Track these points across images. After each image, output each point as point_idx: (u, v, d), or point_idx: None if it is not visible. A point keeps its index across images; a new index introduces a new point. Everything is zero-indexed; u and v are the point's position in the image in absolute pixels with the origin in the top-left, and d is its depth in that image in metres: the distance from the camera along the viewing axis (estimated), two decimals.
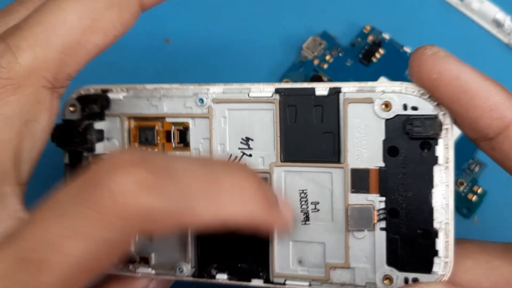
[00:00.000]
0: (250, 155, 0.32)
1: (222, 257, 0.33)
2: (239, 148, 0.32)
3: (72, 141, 0.34)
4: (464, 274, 0.30)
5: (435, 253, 0.29)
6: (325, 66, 0.46)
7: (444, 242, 0.29)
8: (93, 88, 0.34)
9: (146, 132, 0.34)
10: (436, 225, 0.29)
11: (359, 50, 0.45)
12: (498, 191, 0.43)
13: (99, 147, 0.34)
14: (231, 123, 0.32)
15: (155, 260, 0.34)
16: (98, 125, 0.34)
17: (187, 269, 0.33)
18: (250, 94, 0.32)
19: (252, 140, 0.32)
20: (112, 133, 0.34)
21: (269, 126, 0.32)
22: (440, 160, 0.29)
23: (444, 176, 0.29)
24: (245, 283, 0.33)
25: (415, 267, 0.30)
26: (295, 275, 0.32)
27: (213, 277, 0.33)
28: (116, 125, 0.34)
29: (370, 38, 0.46)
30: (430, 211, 0.29)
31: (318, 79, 0.36)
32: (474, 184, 0.43)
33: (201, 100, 0.32)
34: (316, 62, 0.46)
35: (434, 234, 0.29)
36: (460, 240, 0.31)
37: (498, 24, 0.43)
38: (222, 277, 0.33)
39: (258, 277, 0.32)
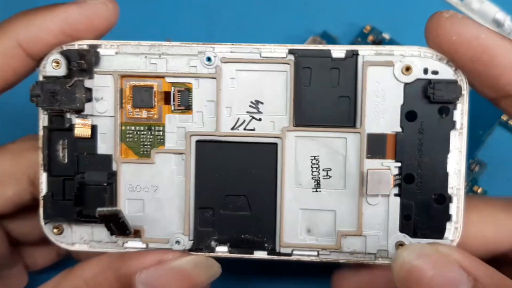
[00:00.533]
0: (260, 119, 0.31)
1: (223, 227, 0.31)
2: (247, 112, 0.31)
3: (57, 100, 0.30)
4: (469, 228, 0.30)
5: (448, 218, 0.30)
6: None
7: (456, 208, 0.30)
8: (77, 44, 0.31)
9: (142, 93, 0.31)
10: (449, 190, 0.30)
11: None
12: (498, 191, 0.43)
13: (87, 108, 0.31)
14: (239, 85, 0.31)
15: (148, 233, 0.32)
16: (86, 83, 0.31)
17: (184, 242, 0.31)
18: (263, 54, 0.30)
19: (262, 103, 0.31)
20: (102, 92, 0.31)
21: (281, 88, 0.30)
22: (457, 125, 0.29)
23: (458, 142, 0.29)
24: (247, 256, 0.31)
25: (427, 233, 0.30)
26: (304, 245, 0.31)
27: (212, 250, 0.31)
28: (106, 84, 0.31)
29: (370, 38, 0.46)
30: (445, 176, 0.29)
31: None
32: (474, 184, 0.43)
33: (209, 59, 0.30)
34: None
35: (448, 199, 0.30)
36: (465, 197, 0.31)
37: (498, 24, 0.44)
38: (222, 250, 0.31)
39: (263, 248, 0.31)
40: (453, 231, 0.30)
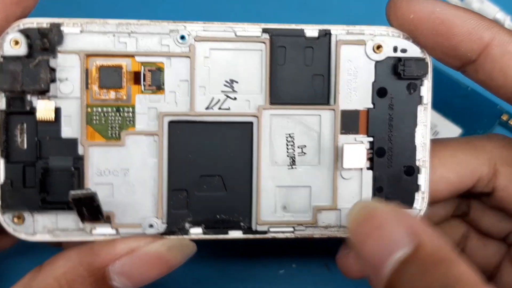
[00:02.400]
0: (235, 99, 0.31)
1: (197, 209, 0.32)
2: (222, 91, 0.31)
3: (18, 81, 0.29)
4: (432, 174, 0.33)
5: (417, 188, 0.32)
6: None
7: (424, 179, 0.32)
8: (37, 22, 0.30)
9: (110, 73, 0.30)
10: (417, 162, 0.32)
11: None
12: None
13: (52, 89, 0.30)
14: (214, 64, 0.31)
15: (118, 218, 0.31)
16: (51, 62, 0.30)
17: (158, 225, 0.31)
18: (237, 33, 0.31)
19: (237, 82, 0.31)
20: (66, 73, 0.30)
21: (256, 67, 0.31)
22: (424, 100, 0.32)
23: (424, 116, 0.32)
24: (221, 237, 0.32)
25: (398, 203, 0.32)
26: (280, 222, 0.32)
27: (186, 232, 0.32)
28: (71, 64, 0.30)
29: None
30: (413, 148, 0.32)
31: None
32: None
33: (182, 37, 0.30)
34: None
35: (417, 170, 0.32)
36: None
37: (498, 24, 0.46)
38: (196, 232, 0.32)
39: (239, 227, 0.32)
40: (420, 201, 0.32)
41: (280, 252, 0.45)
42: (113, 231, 0.31)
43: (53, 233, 0.31)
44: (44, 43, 0.29)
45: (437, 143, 0.35)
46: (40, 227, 0.31)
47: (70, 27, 0.30)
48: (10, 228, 0.31)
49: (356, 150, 0.31)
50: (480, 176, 0.34)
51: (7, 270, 0.42)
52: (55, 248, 0.39)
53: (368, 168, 0.32)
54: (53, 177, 0.31)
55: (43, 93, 0.30)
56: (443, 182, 0.34)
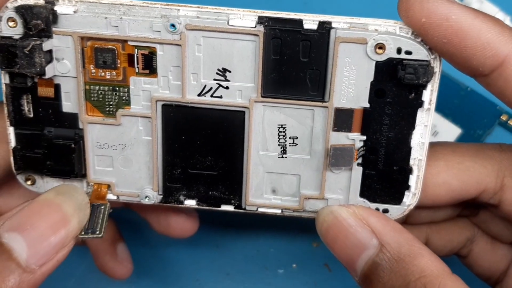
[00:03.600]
0: (227, 88, 0.31)
1: (191, 185, 0.34)
2: (214, 79, 0.31)
3: (16, 63, 0.30)
4: (435, 177, 0.33)
5: (407, 187, 0.32)
6: None
7: (416, 177, 0.32)
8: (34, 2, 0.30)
9: (104, 54, 0.31)
10: (411, 162, 0.31)
11: None
12: None
13: (49, 70, 0.31)
14: (206, 51, 0.30)
15: (118, 186, 0.34)
16: (45, 45, 0.30)
17: (153, 196, 0.34)
18: (230, 22, 0.30)
19: (229, 71, 0.31)
20: (62, 53, 0.31)
21: (250, 58, 0.30)
22: (426, 104, 0.30)
23: (425, 117, 0.31)
24: (214, 209, 0.34)
25: (386, 199, 0.33)
26: (269, 204, 0.34)
27: (181, 202, 0.34)
28: (67, 45, 0.31)
29: None
30: (408, 150, 0.31)
31: None
32: None
33: (173, 26, 0.30)
34: None
35: (409, 171, 0.32)
36: (432, 144, 0.34)
37: None
38: (190, 203, 0.34)
39: (230, 203, 0.34)
40: (411, 197, 0.32)
41: (280, 252, 0.45)
42: (114, 197, 0.34)
43: None
44: (39, 25, 0.30)
45: (446, 146, 0.34)
46: (50, 186, 0.34)
47: (64, 6, 0.30)
48: (26, 186, 0.34)
49: (344, 151, 0.31)
50: (485, 187, 0.33)
51: None
52: None
53: (359, 164, 0.32)
54: (57, 148, 0.33)
55: (40, 75, 0.31)
56: (445, 187, 0.33)
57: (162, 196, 0.34)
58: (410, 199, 0.32)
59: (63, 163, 0.33)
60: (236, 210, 0.34)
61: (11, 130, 0.33)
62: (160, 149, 0.33)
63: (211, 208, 0.34)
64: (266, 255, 0.46)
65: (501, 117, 0.45)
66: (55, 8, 0.30)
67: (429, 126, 0.31)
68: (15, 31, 0.30)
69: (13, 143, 0.33)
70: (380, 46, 0.29)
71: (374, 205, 0.33)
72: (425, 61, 0.29)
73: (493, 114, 0.44)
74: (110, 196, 0.34)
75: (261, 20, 0.30)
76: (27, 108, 0.32)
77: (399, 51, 0.29)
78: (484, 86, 0.30)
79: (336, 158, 0.31)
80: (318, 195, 0.33)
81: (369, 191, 0.33)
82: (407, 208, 0.33)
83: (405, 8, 0.28)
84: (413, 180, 0.32)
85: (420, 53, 0.29)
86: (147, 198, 0.34)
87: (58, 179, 0.34)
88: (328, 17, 0.29)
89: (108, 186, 0.34)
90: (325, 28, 0.29)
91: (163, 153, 0.33)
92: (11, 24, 0.30)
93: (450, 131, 0.43)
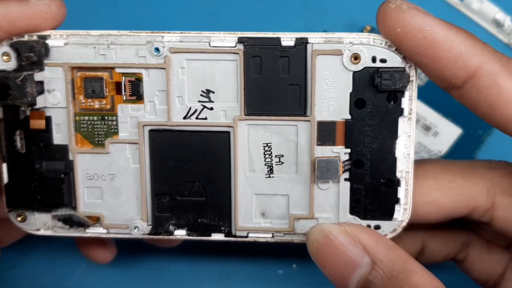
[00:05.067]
0: (212, 108, 0.33)
1: (180, 213, 0.34)
2: (199, 101, 0.33)
3: (9, 95, 0.32)
4: (425, 196, 0.33)
5: (396, 200, 0.32)
6: None
7: (405, 190, 0.32)
8: (27, 35, 0.32)
9: (93, 84, 0.33)
10: (398, 174, 0.32)
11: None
12: None
13: (40, 101, 0.33)
14: (190, 74, 0.32)
15: (107, 219, 0.34)
16: (37, 76, 0.32)
17: (142, 227, 0.34)
18: (212, 44, 0.32)
19: (213, 92, 0.32)
20: (53, 84, 0.33)
21: (232, 77, 0.32)
22: (405, 112, 0.31)
23: (407, 127, 0.32)
24: (205, 238, 0.34)
25: (377, 215, 0.33)
26: (259, 228, 0.34)
27: (171, 233, 0.34)
28: (57, 76, 0.33)
29: None
30: (393, 161, 0.32)
31: None
32: None
33: (157, 50, 0.32)
34: None
35: (396, 182, 0.32)
36: (422, 161, 0.34)
37: (498, 24, 0.45)
38: (180, 233, 0.34)
39: (220, 231, 0.34)
40: (402, 212, 0.32)
41: (280, 252, 0.46)
42: (104, 231, 0.35)
43: (53, 229, 0.35)
44: (31, 57, 0.32)
45: (435, 163, 0.35)
46: (41, 224, 0.35)
47: (56, 39, 0.32)
48: (17, 224, 0.35)
49: (329, 164, 0.32)
50: (476, 205, 0.34)
51: (16, 262, 0.46)
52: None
53: (346, 179, 0.33)
54: (48, 181, 0.34)
55: (31, 105, 0.33)
56: (434, 205, 0.33)
57: (151, 226, 0.34)
58: (401, 215, 0.33)
59: (53, 196, 0.34)
60: (227, 238, 0.34)
61: (4, 167, 0.34)
62: (148, 176, 0.34)
63: (201, 238, 0.34)
64: (266, 256, 0.46)
65: None
66: (47, 41, 0.32)
67: (413, 136, 0.32)
68: (9, 65, 0.32)
69: (5, 179, 0.34)
70: (356, 57, 0.31)
71: (365, 222, 0.33)
72: (400, 67, 0.31)
73: None
74: (100, 230, 0.35)
75: (241, 40, 0.32)
76: (20, 144, 0.34)
77: (374, 59, 0.31)
78: (457, 99, 0.31)
79: (322, 170, 0.32)
80: (308, 214, 0.33)
81: (358, 207, 0.33)
82: (400, 224, 0.33)
83: (382, 18, 0.30)
84: (401, 193, 0.32)
85: (394, 60, 0.31)
86: (136, 229, 0.34)
87: (48, 213, 0.35)
88: (304, 34, 0.31)
89: (98, 219, 0.34)
90: (302, 43, 0.31)
91: (151, 180, 0.34)
92: (5, 58, 0.32)
93: (450, 131, 0.44)
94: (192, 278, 0.46)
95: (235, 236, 0.34)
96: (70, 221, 0.34)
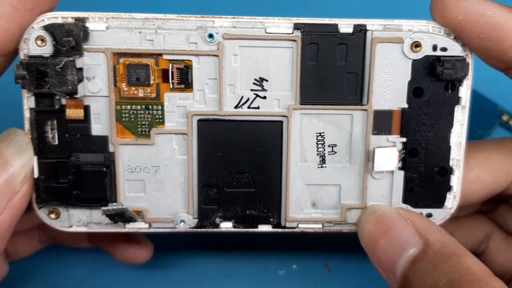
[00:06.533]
0: (265, 97, 0.32)
1: (228, 205, 0.34)
2: (251, 90, 0.32)
3: (46, 82, 0.30)
4: (468, 174, 0.34)
5: (449, 188, 0.33)
6: None
7: (457, 179, 0.33)
8: (61, 16, 0.31)
9: (138, 71, 0.31)
10: (451, 162, 0.33)
11: None
12: None
13: (80, 89, 0.31)
14: (243, 61, 0.31)
15: (150, 213, 0.33)
16: (77, 63, 0.30)
17: (189, 220, 0.33)
18: (267, 30, 0.31)
19: (266, 80, 0.32)
20: (94, 71, 0.31)
21: (287, 65, 0.31)
22: (463, 100, 0.32)
23: (460, 115, 0.32)
24: (251, 230, 0.34)
25: (429, 203, 0.33)
26: (309, 218, 0.34)
27: (217, 226, 0.34)
28: (98, 62, 0.31)
29: None
30: (448, 149, 0.33)
31: None
32: None
33: (211, 36, 0.31)
34: None
35: (449, 171, 0.33)
36: None
37: None
38: (226, 226, 0.34)
39: (268, 223, 0.34)
40: (452, 199, 0.33)
41: (280, 252, 0.46)
42: (146, 226, 0.34)
43: (88, 226, 0.34)
44: (70, 42, 0.30)
45: (471, 144, 0.36)
46: (75, 220, 0.33)
47: (96, 23, 0.31)
48: (47, 221, 0.33)
49: (388, 153, 0.32)
50: None
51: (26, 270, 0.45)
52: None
53: (400, 168, 0.33)
54: (85, 174, 0.33)
55: (71, 94, 0.31)
56: (478, 183, 0.34)
57: (197, 219, 0.34)
58: (451, 202, 0.33)
59: (94, 191, 0.32)
60: (274, 229, 0.34)
61: (34, 160, 0.32)
62: (195, 168, 0.33)
63: (248, 230, 0.34)
64: (266, 256, 0.46)
65: (502, 117, 0.47)
66: (87, 25, 0.31)
67: (465, 125, 0.32)
68: (44, 50, 0.30)
69: (36, 173, 0.32)
70: (417, 45, 0.31)
71: (417, 210, 0.33)
72: (461, 56, 0.31)
73: (494, 114, 0.46)
74: (142, 225, 0.34)
75: (296, 26, 0.31)
76: (51, 135, 0.32)
77: (434, 48, 0.31)
78: None
79: (379, 161, 0.32)
80: (360, 204, 0.33)
81: (411, 195, 0.33)
82: (449, 212, 0.33)
83: (440, 8, 0.30)
84: (454, 181, 0.33)
85: (454, 49, 0.31)
86: (182, 222, 0.33)
87: (85, 209, 0.33)
88: (362, 20, 0.31)
89: (139, 213, 0.33)
90: (361, 30, 0.31)
91: (198, 172, 0.33)
92: (39, 42, 0.30)
93: None
94: (191, 279, 0.46)
95: (284, 227, 0.34)
96: (121, 217, 0.32)
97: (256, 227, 0.34)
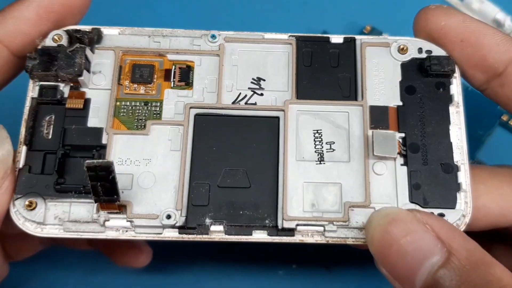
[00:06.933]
0: (262, 95, 0.33)
1: (220, 203, 0.31)
2: (249, 88, 0.33)
3: (54, 65, 0.32)
4: (475, 201, 0.32)
5: (458, 186, 0.31)
6: None
7: (465, 177, 0.31)
8: (81, 28, 0.34)
9: (142, 69, 0.33)
10: (456, 159, 0.32)
11: None
12: None
13: (85, 77, 0.32)
14: (242, 62, 0.34)
15: (135, 209, 0.31)
16: (87, 52, 0.33)
17: (176, 217, 0.30)
18: (265, 36, 0.34)
19: (264, 80, 0.33)
20: (100, 66, 0.33)
21: (283, 67, 0.34)
22: (455, 98, 0.33)
23: (457, 119, 0.33)
24: (244, 238, 0.31)
25: (439, 203, 0.31)
26: (309, 218, 0.31)
27: (207, 229, 0.30)
28: (107, 59, 0.33)
29: None
30: (449, 145, 0.32)
31: None
32: None
33: (213, 36, 0.34)
34: None
35: (455, 167, 0.31)
36: (472, 167, 0.33)
37: (498, 24, 0.48)
38: (217, 229, 0.30)
39: (263, 225, 0.31)
40: (464, 205, 0.31)
41: (280, 252, 0.45)
42: (127, 224, 0.31)
43: (63, 225, 0.31)
44: (84, 39, 0.33)
45: (484, 169, 0.35)
46: (52, 216, 0.31)
47: (110, 29, 0.34)
48: (19, 217, 0.31)
49: (387, 136, 0.31)
50: None
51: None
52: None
53: (402, 164, 0.32)
54: (73, 164, 0.31)
55: (75, 81, 0.32)
56: (483, 211, 0.33)
57: (185, 217, 0.30)
58: (463, 207, 0.31)
59: (77, 180, 0.31)
60: (270, 237, 0.31)
61: (23, 150, 0.31)
62: (189, 162, 0.32)
63: (240, 238, 0.31)
64: (266, 256, 0.45)
65: (502, 117, 0.46)
66: (101, 29, 0.34)
67: (463, 129, 0.32)
68: (59, 44, 0.33)
69: (21, 163, 0.31)
70: (403, 48, 0.34)
71: (428, 210, 0.31)
72: (446, 55, 0.33)
73: (494, 114, 0.45)
74: (123, 223, 0.30)
75: (292, 36, 0.34)
76: (46, 130, 0.32)
77: (420, 51, 0.34)
78: (497, 90, 0.34)
79: (379, 144, 0.31)
80: (364, 202, 0.31)
81: (418, 193, 0.31)
82: (463, 220, 0.31)
83: (424, 18, 0.34)
84: (462, 178, 0.31)
85: (439, 51, 0.33)
86: (169, 218, 0.30)
87: (64, 203, 0.31)
88: (351, 36, 0.34)
89: (124, 208, 0.30)
90: (350, 40, 0.34)
91: (191, 166, 0.31)
92: (56, 38, 0.33)
93: None
94: (191, 278, 0.44)
95: (282, 229, 0.31)
96: (103, 172, 0.28)
97: (250, 233, 0.31)
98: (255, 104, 0.33)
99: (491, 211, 0.33)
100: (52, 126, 0.32)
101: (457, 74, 0.33)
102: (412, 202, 0.31)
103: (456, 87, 0.33)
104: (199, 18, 0.52)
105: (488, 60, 0.33)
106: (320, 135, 0.33)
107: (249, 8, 0.53)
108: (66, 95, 0.33)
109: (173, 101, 0.33)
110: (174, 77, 0.33)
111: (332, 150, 0.32)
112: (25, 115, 0.32)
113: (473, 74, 0.34)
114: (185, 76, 0.33)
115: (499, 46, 0.33)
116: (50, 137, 0.32)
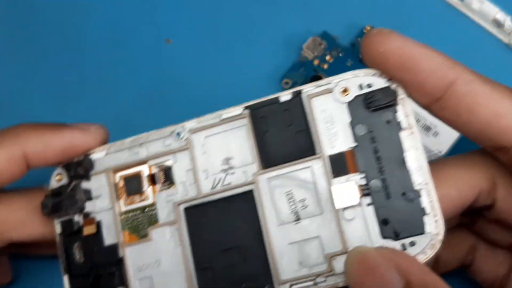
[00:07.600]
0: (233, 173, 0.37)
1: (224, 283, 0.36)
2: (221, 170, 0.37)
3: (62, 206, 0.38)
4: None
5: (422, 211, 0.33)
6: (325, 66, 0.51)
7: (429, 201, 0.33)
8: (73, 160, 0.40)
9: (132, 181, 0.39)
10: (416, 187, 0.33)
11: (359, 50, 0.47)
12: None
13: (89, 206, 0.39)
14: (209, 149, 0.37)
15: None
16: (84, 184, 0.39)
17: None
18: (222, 117, 0.37)
19: (232, 158, 0.37)
20: (100, 191, 0.39)
21: (245, 141, 0.37)
22: (404, 124, 0.34)
23: (411, 141, 0.34)
24: None
25: (409, 232, 0.33)
26: (300, 277, 0.35)
27: None
28: (102, 183, 0.39)
29: None
30: (407, 174, 0.34)
31: (318, 79, 0.41)
32: None
33: (178, 134, 0.38)
34: (316, 62, 0.51)
35: (417, 194, 0.33)
36: (431, 165, 0.35)
37: (498, 24, 0.48)
38: None
39: None
40: (433, 224, 0.33)
41: None
42: None
43: None
44: (79, 171, 0.39)
45: (436, 163, 0.37)
46: None
47: (98, 153, 0.39)
48: None
49: (343, 187, 0.34)
50: (480, 190, 0.36)
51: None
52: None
53: (368, 204, 0.34)
54: (103, 281, 0.38)
55: (82, 211, 0.39)
56: (445, 200, 0.35)
57: None
58: (434, 227, 0.33)
59: None
60: None
61: (66, 279, 0.39)
62: (190, 253, 0.37)
63: None
64: None
65: None
66: (91, 156, 0.39)
67: (420, 147, 0.34)
68: (61, 183, 0.39)
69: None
70: (345, 89, 0.35)
71: (399, 242, 0.33)
72: (384, 87, 0.35)
73: None
74: None
75: (247, 107, 0.37)
76: (78, 256, 0.39)
77: (360, 87, 0.35)
78: (439, 113, 0.35)
79: (338, 197, 0.34)
80: (342, 249, 0.34)
81: (388, 228, 0.33)
82: (436, 238, 0.33)
83: (367, 43, 0.35)
84: (425, 202, 0.33)
85: (378, 82, 0.35)
86: None
87: None
88: (299, 87, 0.36)
89: None
90: (298, 95, 0.36)
91: (193, 256, 0.36)
92: (58, 178, 0.39)
93: (450, 131, 0.43)
94: None
95: None
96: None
97: None
98: (230, 184, 0.37)
99: (451, 198, 0.36)
100: (82, 251, 0.39)
101: (402, 96, 0.34)
102: (384, 237, 0.33)
103: (402, 113, 0.34)
104: (199, 18, 0.53)
105: (426, 86, 0.34)
106: (292, 196, 0.36)
107: (249, 8, 0.53)
108: (81, 224, 0.39)
109: (164, 202, 0.38)
110: (159, 181, 0.38)
111: (305, 207, 0.35)
112: (59, 250, 0.39)
113: (415, 98, 0.35)
114: (168, 177, 0.38)
115: (436, 72, 0.33)
116: (82, 260, 0.39)
